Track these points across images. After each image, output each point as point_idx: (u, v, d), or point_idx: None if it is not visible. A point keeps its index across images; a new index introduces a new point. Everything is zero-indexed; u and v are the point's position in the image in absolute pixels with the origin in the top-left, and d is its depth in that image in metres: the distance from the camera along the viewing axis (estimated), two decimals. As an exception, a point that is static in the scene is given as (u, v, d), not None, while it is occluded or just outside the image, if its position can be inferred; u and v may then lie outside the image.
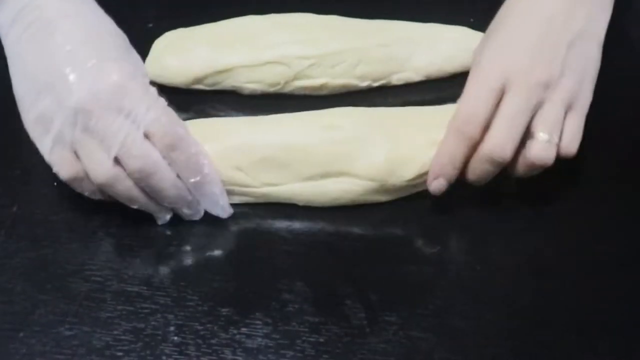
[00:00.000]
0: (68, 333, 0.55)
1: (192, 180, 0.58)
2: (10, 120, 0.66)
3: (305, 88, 0.69)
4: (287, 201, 0.62)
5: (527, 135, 0.59)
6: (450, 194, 0.63)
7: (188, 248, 0.60)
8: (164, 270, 0.58)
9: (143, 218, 0.61)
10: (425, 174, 0.61)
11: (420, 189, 0.62)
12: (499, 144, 0.58)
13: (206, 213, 0.61)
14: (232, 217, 0.62)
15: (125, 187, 0.57)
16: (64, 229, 0.61)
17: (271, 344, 0.55)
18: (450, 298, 0.58)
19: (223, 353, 0.54)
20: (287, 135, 0.61)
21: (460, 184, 0.63)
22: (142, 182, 0.57)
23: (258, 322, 0.56)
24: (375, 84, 0.70)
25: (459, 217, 0.63)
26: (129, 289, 0.57)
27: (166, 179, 0.57)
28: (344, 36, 0.69)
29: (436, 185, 0.60)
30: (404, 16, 0.72)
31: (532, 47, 0.59)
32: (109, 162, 0.56)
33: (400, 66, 0.70)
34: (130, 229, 0.61)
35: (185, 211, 0.60)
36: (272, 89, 0.69)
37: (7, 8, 0.59)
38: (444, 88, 0.68)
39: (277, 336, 0.55)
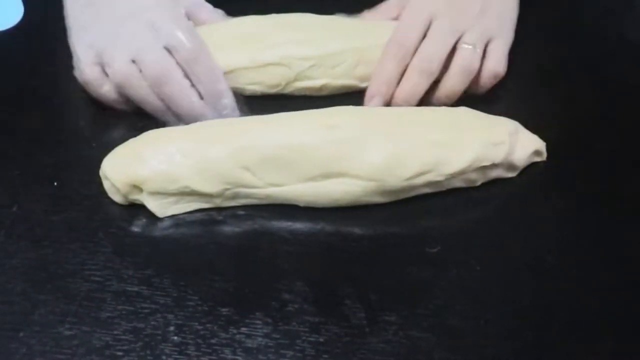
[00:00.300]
0: (68, 333, 0.55)
1: (208, 94, 0.65)
2: (11, 120, 0.66)
3: (305, 89, 0.69)
4: (290, 202, 0.62)
5: (454, 53, 0.67)
6: (450, 194, 0.63)
7: (188, 248, 0.60)
8: (164, 270, 0.58)
9: (143, 218, 0.61)
10: (423, 173, 0.61)
11: (420, 191, 0.63)
12: (427, 56, 0.66)
13: (202, 213, 0.62)
14: (233, 218, 0.62)
15: (139, 88, 0.64)
16: (64, 229, 0.61)
17: (271, 344, 0.55)
18: (450, 298, 0.58)
19: (223, 353, 0.54)
20: (291, 134, 0.61)
21: (458, 189, 0.63)
22: (156, 89, 0.64)
23: (258, 322, 0.56)
24: None
25: (459, 217, 0.63)
26: (129, 288, 0.57)
27: (179, 90, 0.64)
28: (344, 36, 0.69)
29: (373, 103, 0.68)
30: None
31: None
32: (124, 61, 0.63)
33: None
34: (130, 229, 0.61)
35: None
36: (272, 90, 0.69)
37: None
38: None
39: (277, 336, 0.55)
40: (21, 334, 0.55)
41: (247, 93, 0.69)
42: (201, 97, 0.65)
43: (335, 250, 0.60)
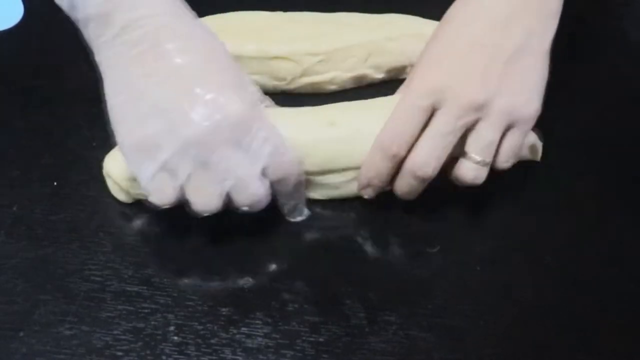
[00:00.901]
0: (68, 333, 0.55)
1: (288, 207, 0.61)
2: (11, 120, 0.66)
3: (313, 84, 0.69)
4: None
5: (461, 152, 0.58)
6: (450, 194, 0.63)
7: (188, 248, 0.60)
8: (164, 270, 0.58)
9: (143, 218, 0.61)
10: None
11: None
12: (421, 162, 0.57)
13: (205, 221, 0.61)
14: (232, 217, 0.61)
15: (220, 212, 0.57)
16: (64, 229, 0.61)
17: (271, 344, 0.55)
18: (450, 298, 0.58)
19: (223, 353, 0.54)
20: (289, 131, 0.61)
21: (457, 190, 0.63)
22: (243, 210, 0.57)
23: (258, 321, 0.56)
24: (386, 76, 0.70)
25: (459, 217, 0.63)
26: (129, 288, 0.57)
27: (263, 206, 0.57)
28: (352, 31, 0.69)
29: (365, 193, 0.61)
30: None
31: (466, 65, 0.57)
32: (220, 197, 0.55)
33: (408, 60, 0.70)
34: (130, 229, 0.61)
35: None
36: (277, 83, 0.69)
37: (109, 23, 0.54)
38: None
39: (277, 336, 0.55)
40: (21, 334, 0.55)
41: None
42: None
43: (335, 250, 0.60)
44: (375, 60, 0.69)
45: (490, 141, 0.57)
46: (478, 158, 0.58)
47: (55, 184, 0.63)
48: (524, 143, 0.60)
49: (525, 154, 0.62)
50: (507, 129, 0.58)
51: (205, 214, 0.56)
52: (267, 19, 0.70)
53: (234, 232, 0.61)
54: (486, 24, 0.58)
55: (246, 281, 0.58)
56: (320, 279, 0.58)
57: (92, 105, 0.68)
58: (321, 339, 0.55)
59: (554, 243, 0.61)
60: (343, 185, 0.62)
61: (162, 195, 0.55)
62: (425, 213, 0.63)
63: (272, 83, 0.69)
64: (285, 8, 0.71)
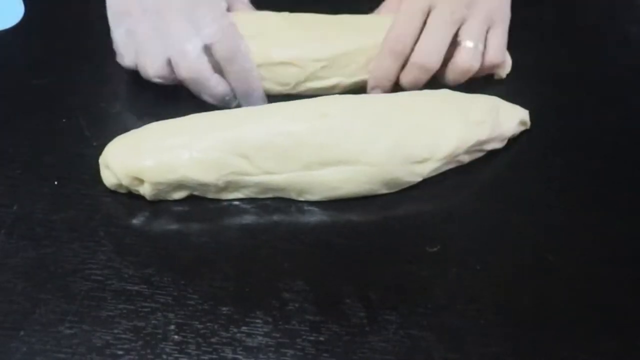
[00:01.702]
0: (68, 332, 0.55)
1: (241, 91, 0.66)
2: (11, 120, 0.66)
3: (316, 90, 0.69)
4: (289, 192, 0.62)
5: (455, 46, 0.67)
6: (450, 193, 0.63)
7: (188, 247, 0.60)
8: (164, 269, 0.58)
9: (144, 217, 0.61)
10: (424, 160, 0.62)
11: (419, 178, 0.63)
12: (426, 52, 0.66)
13: (202, 211, 0.62)
14: (232, 216, 0.62)
15: (174, 81, 0.66)
16: (64, 229, 0.61)
17: (271, 343, 0.55)
18: (450, 298, 0.58)
19: (223, 352, 0.54)
20: (285, 122, 0.62)
21: (460, 184, 0.63)
22: (190, 86, 0.65)
23: (258, 320, 0.56)
24: None
25: (459, 216, 0.63)
26: (130, 287, 0.57)
27: (211, 89, 0.65)
28: (355, 34, 0.69)
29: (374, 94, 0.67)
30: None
31: None
32: (163, 62, 0.64)
33: None
34: (130, 229, 0.61)
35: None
36: (282, 88, 0.69)
37: None
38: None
39: (278, 335, 0.55)
40: (21, 333, 0.55)
41: None
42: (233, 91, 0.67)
43: (335, 249, 0.60)
44: None
45: (479, 31, 0.67)
46: (472, 44, 0.67)
47: (55, 183, 0.63)
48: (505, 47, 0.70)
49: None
50: (489, 26, 0.68)
51: (155, 80, 0.65)
52: (269, 21, 0.70)
53: (234, 231, 0.61)
54: None
55: (246, 280, 0.58)
56: (320, 279, 0.58)
57: (92, 105, 0.69)
58: (321, 338, 0.55)
59: (554, 243, 0.61)
60: (341, 185, 0.62)
61: (123, 55, 0.66)
62: (425, 213, 0.63)
63: (276, 88, 0.69)
64: (291, 8, 0.71)
